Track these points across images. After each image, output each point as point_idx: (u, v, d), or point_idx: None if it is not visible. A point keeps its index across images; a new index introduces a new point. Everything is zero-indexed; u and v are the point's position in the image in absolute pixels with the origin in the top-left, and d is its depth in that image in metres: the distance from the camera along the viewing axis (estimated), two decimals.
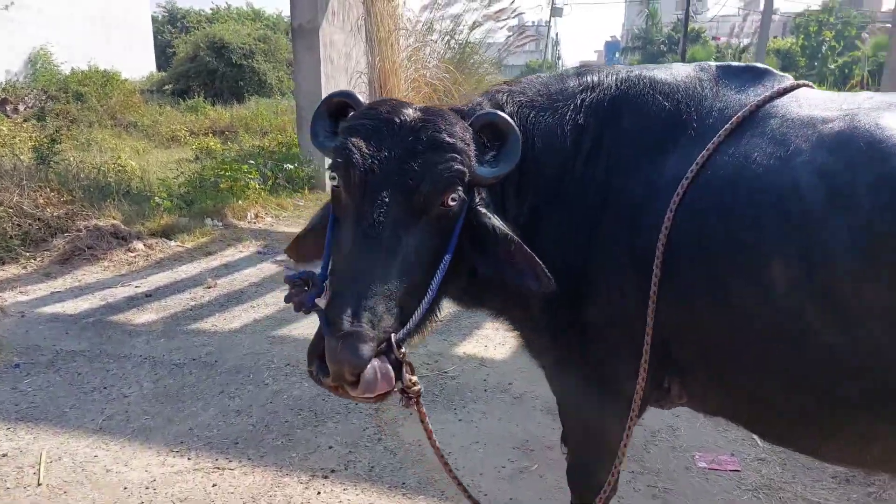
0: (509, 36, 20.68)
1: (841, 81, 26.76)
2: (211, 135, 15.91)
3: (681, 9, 32.12)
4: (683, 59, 33.09)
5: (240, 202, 9.14)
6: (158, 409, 4.02)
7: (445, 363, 4.71)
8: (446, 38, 16.23)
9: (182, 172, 10.17)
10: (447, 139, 1.75)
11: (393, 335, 1.62)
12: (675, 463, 3.52)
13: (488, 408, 4.12)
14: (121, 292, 6.10)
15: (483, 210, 1.87)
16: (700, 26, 37.12)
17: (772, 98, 1.95)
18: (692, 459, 3.54)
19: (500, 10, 18.85)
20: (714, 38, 38.78)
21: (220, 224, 8.58)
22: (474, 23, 16.72)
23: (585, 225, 1.98)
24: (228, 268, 7.00)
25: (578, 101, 2.07)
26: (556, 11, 38.72)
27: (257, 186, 9.53)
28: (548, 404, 3.98)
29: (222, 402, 4.10)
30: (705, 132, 1.93)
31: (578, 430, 2.39)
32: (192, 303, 5.91)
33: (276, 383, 4.35)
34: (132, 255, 7.12)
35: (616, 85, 2.07)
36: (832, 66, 29.94)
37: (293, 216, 9.59)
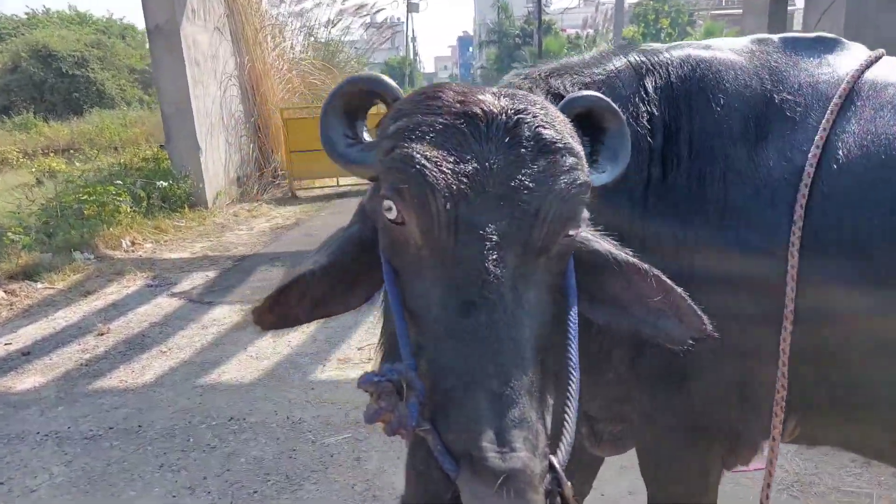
0: (371, 32, 20.33)
1: None
2: (52, 154, 14.15)
3: (531, 1, 33.26)
4: (540, 51, 34.38)
5: (111, 229, 8.04)
6: (83, 500, 3.24)
7: None
8: (309, 36, 15.59)
9: (33, 200, 8.80)
10: (561, 137, 1.20)
11: (554, 459, 1.08)
12: None
13: None
14: None
15: (592, 234, 1.35)
16: (550, 18, 38.59)
17: (868, 67, 1.72)
18: None
19: (360, 6, 18.48)
20: (562, 30, 40.59)
21: (92, 257, 7.49)
22: (335, 19, 16.18)
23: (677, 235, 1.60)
24: (118, 308, 6.05)
25: (644, 86, 1.71)
26: (412, 7, 38.60)
27: (129, 210, 8.44)
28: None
29: (166, 479, 3.38)
30: (804, 111, 1.66)
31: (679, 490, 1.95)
32: (85, 356, 4.98)
33: (224, 444, 3.68)
34: None
35: (680, 65, 1.75)
36: None
37: (176, 239, 8.61)
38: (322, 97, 13.85)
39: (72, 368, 4.76)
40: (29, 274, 6.71)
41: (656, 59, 1.77)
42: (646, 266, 1.29)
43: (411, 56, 44.75)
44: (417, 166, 1.11)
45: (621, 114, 1.42)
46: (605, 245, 1.34)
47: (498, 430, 0.99)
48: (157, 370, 4.69)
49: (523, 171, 1.14)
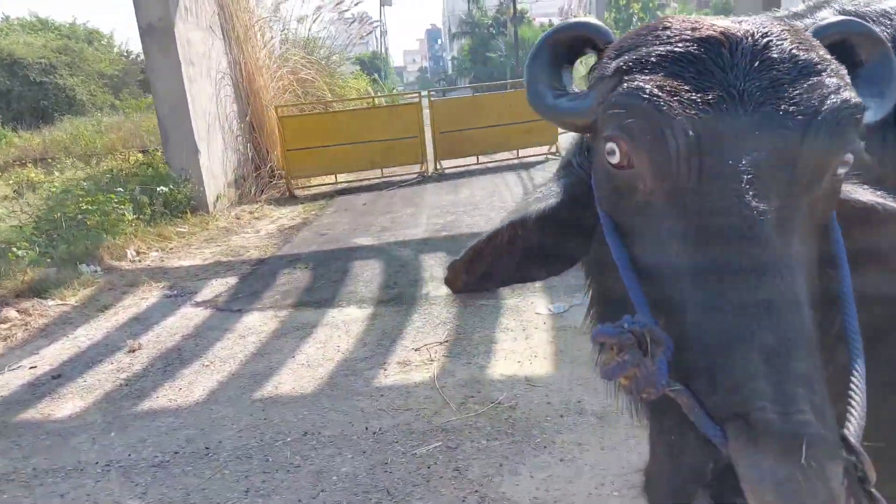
0: (353, 26, 19.99)
1: None
2: (28, 165, 13.56)
3: None
4: (516, 40, 34.31)
5: (115, 239, 7.64)
6: None
7: (492, 391, 4.02)
8: (289, 32, 15.21)
9: (28, 214, 8.34)
10: (823, 58, 1.01)
11: (849, 435, 0.87)
12: None
13: (578, 436, 3.51)
14: (13, 379, 4.67)
15: (855, 182, 1.14)
16: (522, 7, 38.55)
17: None
18: None
19: (340, 1, 18.13)
20: (533, 19, 40.62)
21: (99, 269, 7.10)
22: (315, 14, 15.84)
23: None
24: (141, 322, 5.70)
25: None
26: (385, 0, 38.19)
27: (132, 218, 8.03)
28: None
29: None
30: None
31: None
32: (122, 375, 4.65)
33: (309, 462, 3.41)
34: (4, 327, 5.56)
35: None
36: None
37: (181, 246, 8.25)
38: (313, 94, 13.51)
39: (112, 390, 4.42)
40: (35, 290, 6.31)
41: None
42: None
43: (382, 50, 44.31)
44: (649, 97, 0.96)
45: (886, 42, 1.18)
46: (869, 195, 1.13)
47: (778, 390, 0.81)
48: (207, 386, 4.38)
49: (780, 96, 0.96)
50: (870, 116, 1.07)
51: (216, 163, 9.98)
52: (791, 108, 0.94)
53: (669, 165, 0.95)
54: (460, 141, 12.13)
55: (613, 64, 1.05)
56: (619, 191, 1.05)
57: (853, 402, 0.92)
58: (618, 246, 1.04)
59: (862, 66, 1.16)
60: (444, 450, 3.43)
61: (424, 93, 14.16)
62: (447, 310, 5.36)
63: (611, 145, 1.02)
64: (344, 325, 5.23)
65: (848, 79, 1.03)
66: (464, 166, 12.39)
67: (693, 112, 0.94)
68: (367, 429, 3.68)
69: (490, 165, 12.70)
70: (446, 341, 4.78)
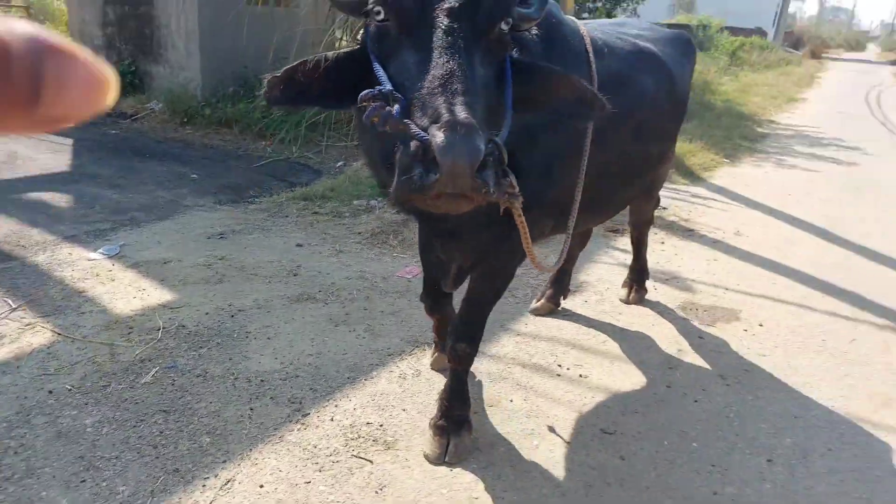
0: None
1: None
2: None
3: None
4: None
5: None
6: None
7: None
8: None
9: None
10: None
11: (496, 138, 1.57)
12: None
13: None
14: None
15: (530, 60, 2.00)
16: None
17: None
18: None
19: None
20: None
21: None
22: None
23: None
24: None
25: None
26: None
27: None
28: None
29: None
30: None
31: None
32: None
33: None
34: None
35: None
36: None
37: None
38: None
39: None
40: None
41: None
42: (572, 76, 1.91)
43: None
44: None
45: None
46: (541, 64, 2.02)
47: (452, 110, 1.48)
48: None
49: None
50: (533, 12, 1.91)
51: None
52: None
53: (404, 14, 1.69)
54: None
55: None
56: (380, 37, 1.76)
57: (500, 133, 1.67)
58: (378, 67, 1.71)
59: None
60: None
61: None
62: None
63: (377, 9, 1.72)
64: None
65: None
66: None
67: None
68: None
69: None
70: None
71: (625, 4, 16.59)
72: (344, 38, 11.24)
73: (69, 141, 7.84)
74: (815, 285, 4.83)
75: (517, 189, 1.63)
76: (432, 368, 3.41)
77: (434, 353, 3.44)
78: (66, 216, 5.30)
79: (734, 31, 27.63)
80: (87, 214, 5.37)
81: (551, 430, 2.98)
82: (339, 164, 7.65)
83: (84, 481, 2.49)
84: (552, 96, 1.91)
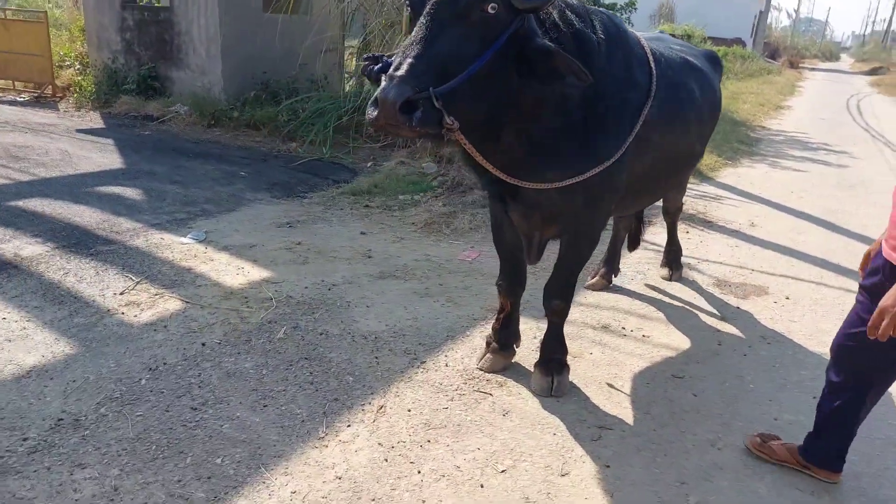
0: None
1: None
2: None
3: None
4: None
5: None
6: None
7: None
8: None
9: None
10: None
11: (432, 88, 2.21)
12: None
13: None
14: None
15: (531, 36, 2.49)
16: None
17: None
18: None
19: None
20: None
21: None
22: None
23: None
24: None
25: None
26: None
27: None
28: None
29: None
30: None
31: None
32: None
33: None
34: None
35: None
36: None
37: None
38: None
39: None
40: None
41: None
42: (564, 53, 2.46)
43: None
44: None
45: None
46: (539, 40, 2.48)
47: (402, 69, 2.22)
48: None
49: None
50: (526, 2, 2.35)
51: None
52: None
53: (414, 5, 2.39)
54: None
55: None
56: (410, 21, 2.44)
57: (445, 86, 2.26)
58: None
59: None
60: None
61: None
62: None
63: (408, 3, 2.45)
64: None
65: None
66: None
67: None
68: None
69: None
70: None
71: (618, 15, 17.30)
72: (356, 43, 11.88)
73: (109, 140, 8.34)
74: (828, 266, 5.53)
75: (455, 124, 2.23)
76: (481, 369, 3.50)
77: (485, 354, 3.55)
78: (144, 207, 5.83)
79: (715, 41, 28.75)
80: (161, 206, 5.90)
81: (631, 373, 3.60)
82: (369, 164, 8.23)
83: (266, 406, 3.07)
84: (552, 68, 2.43)
